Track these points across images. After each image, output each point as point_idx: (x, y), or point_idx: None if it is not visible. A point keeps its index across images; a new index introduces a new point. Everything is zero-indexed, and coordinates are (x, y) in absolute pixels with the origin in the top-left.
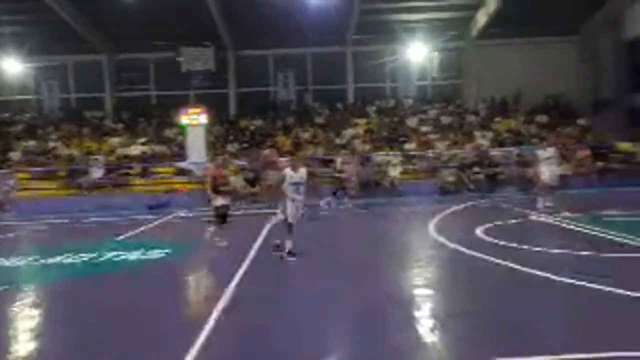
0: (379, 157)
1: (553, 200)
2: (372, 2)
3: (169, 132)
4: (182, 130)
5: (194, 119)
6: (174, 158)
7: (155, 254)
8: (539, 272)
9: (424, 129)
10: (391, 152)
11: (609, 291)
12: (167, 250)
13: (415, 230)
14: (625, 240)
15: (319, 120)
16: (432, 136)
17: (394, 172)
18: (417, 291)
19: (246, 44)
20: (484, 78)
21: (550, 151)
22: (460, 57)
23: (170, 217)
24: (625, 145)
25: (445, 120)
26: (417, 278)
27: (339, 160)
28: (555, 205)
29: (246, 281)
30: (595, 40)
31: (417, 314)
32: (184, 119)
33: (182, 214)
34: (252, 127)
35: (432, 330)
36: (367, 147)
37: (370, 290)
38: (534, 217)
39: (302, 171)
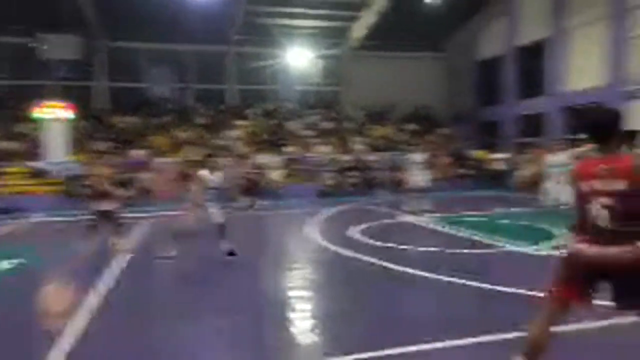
0: (261, 159)
1: (421, 202)
2: (257, 4)
3: (23, 128)
4: (38, 125)
5: (52, 113)
6: (29, 156)
7: (5, 265)
8: (409, 269)
9: (304, 133)
10: (272, 155)
11: (465, 284)
12: (19, 260)
13: (294, 233)
14: (477, 238)
15: (200, 120)
16: (312, 140)
17: (275, 175)
18: (294, 292)
19: (120, 35)
20: (361, 86)
21: (422, 157)
22: (339, 65)
23: (24, 221)
24: (478, 153)
25: (326, 125)
26: (294, 280)
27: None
28: (422, 207)
29: (114, 288)
30: (454, 58)
31: (292, 315)
32: (38, 113)
33: (39, 219)
34: (122, 125)
35: (307, 330)
36: (249, 149)
37: (246, 292)
38: (404, 218)
39: (219, 174)
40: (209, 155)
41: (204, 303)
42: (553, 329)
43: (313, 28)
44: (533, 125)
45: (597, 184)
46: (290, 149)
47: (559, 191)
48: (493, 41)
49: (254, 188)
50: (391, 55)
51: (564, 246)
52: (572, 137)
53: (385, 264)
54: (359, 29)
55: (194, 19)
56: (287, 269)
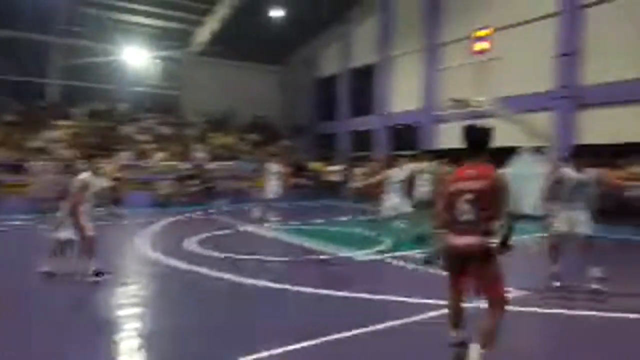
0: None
1: (267, 212)
2: None
3: None
4: None
5: None
6: None
7: None
8: (247, 280)
9: (140, 137)
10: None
11: (300, 291)
12: None
13: (123, 246)
14: (313, 246)
15: (10, 117)
16: (149, 146)
17: (105, 182)
18: (119, 311)
19: None
20: (200, 92)
21: (276, 167)
22: (180, 69)
23: None
24: (316, 165)
25: (165, 130)
26: (120, 297)
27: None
28: (264, 216)
29: None
30: (295, 73)
31: (118, 334)
32: None
33: None
34: None
35: (134, 349)
36: (72, 153)
37: (63, 313)
38: (244, 228)
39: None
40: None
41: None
42: (463, 305)
43: (154, 27)
44: (364, 141)
45: (465, 185)
46: (124, 154)
47: (395, 203)
48: (331, 61)
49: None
50: (234, 64)
51: (389, 251)
52: (396, 153)
53: (222, 275)
54: (203, 33)
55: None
56: (112, 285)
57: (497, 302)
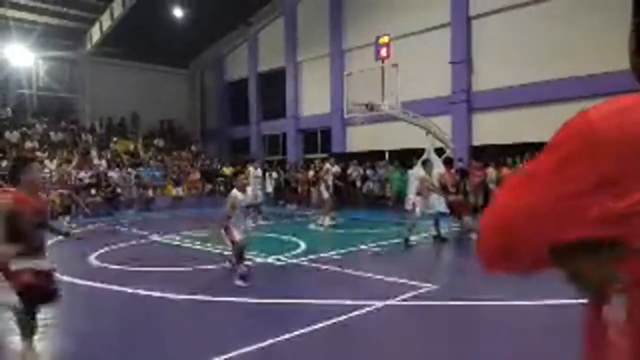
0: None
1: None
2: None
3: None
4: None
5: None
6: None
7: None
8: (154, 292)
9: (28, 144)
10: None
11: (211, 300)
12: None
13: None
14: (227, 253)
15: None
16: (39, 154)
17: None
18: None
19: None
20: (99, 96)
21: (257, 171)
22: (73, 70)
23: None
24: (227, 170)
25: (56, 137)
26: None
27: None
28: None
29: None
30: (203, 77)
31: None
32: None
33: None
34: None
35: None
36: None
37: None
38: (151, 238)
39: None
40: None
41: None
42: None
43: (40, 24)
44: (277, 145)
45: None
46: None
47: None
48: (240, 64)
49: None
50: (138, 65)
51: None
52: (308, 156)
53: (125, 289)
54: (95, 33)
55: None
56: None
57: None
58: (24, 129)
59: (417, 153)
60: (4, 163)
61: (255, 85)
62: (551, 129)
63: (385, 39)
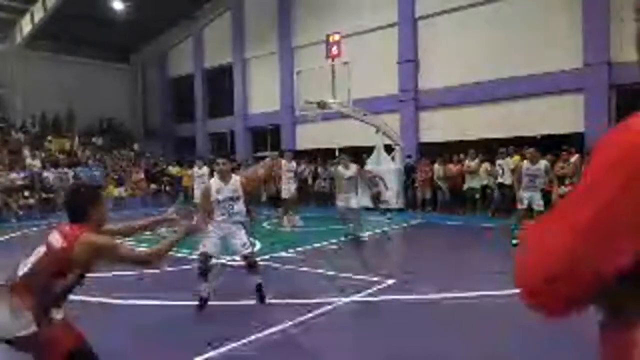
0: None
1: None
2: None
3: None
4: None
5: None
6: None
7: None
8: (103, 299)
9: None
10: None
11: (170, 304)
12: None
13: None
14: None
15: None
16: None
17: None
18: None
19: None
20: (31, 91)
21: (205, 170)
22: (2, 63)
23: None
24: (173, 170)
25: None
26: None
27: None
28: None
29: None
30: (145, 72)
31: None
32: None
33: None
34: None
35: None
36: None
37: None
38: None
39: None
40: None
41: None
42: None
43: None
44: (224, 143)
45: None
46: None
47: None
48: (184, 60)
49: None
50: (74, 60)
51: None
52: (256, 155)
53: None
54: (25, 25)
55: None
56: None
57: None
58: None
59: (367, 149)
60: None
61: (201, 82)
62: (495, 126)
63: (336, 37)
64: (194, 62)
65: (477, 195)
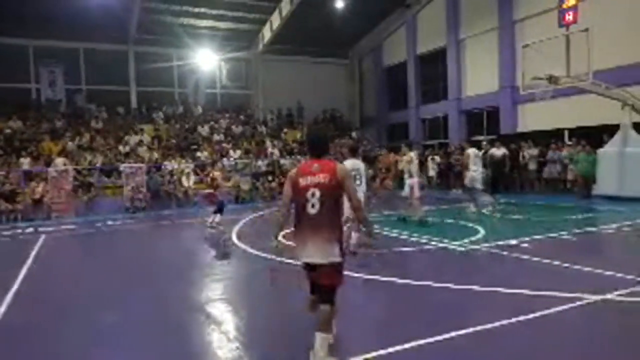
0: (170, 166)
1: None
2: (155, 0)
3: None
4: None
5: None
6: None
7: None
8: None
9: (216, 137)
10: (183, 161)
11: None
12: None
13: (216, 242)
14: (414, 238)
15: (96, 125)
16: (225, 145)
17: (188, 182)
18: (219, 305)
19: (4, 29)
20: (270, 90)
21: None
22: (248, 68)
23: None
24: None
25: (237, 129)
26: (225, 290)
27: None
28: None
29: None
30: (361, 64)
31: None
32: None
33: None
34: (8, 130)
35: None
36: (155, 155)
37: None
38: None
39: None
40: None
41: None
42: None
43: (219, 29)
44: (437, 128)
45: (310, 179)
46: (203, 153)
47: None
48: (397, 48)
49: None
50: (301, 59)
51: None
52: (473, 139)
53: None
54: (266, 32)
55: (85, 14)
56: (216, 280)
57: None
58: (212, 123)
59: (609, 130)
60: (199, 154)
61: (414, 68)
62: None
63: (572, 1)
64: (407, 49)
65: None
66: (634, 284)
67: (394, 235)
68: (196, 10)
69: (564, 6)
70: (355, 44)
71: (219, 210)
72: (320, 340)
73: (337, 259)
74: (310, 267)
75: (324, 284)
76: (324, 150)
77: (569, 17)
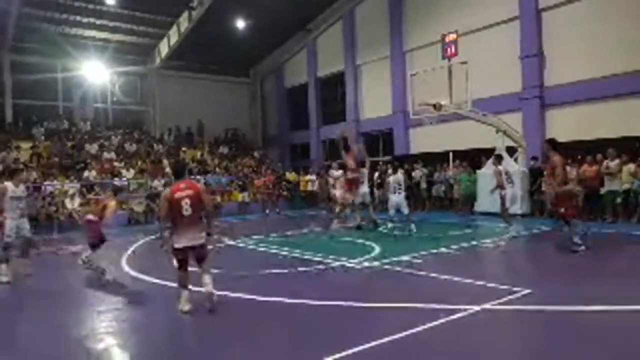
0: (52, 186)
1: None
2: (33, 6)
3: None
4: None
5: None
6: None
7: None
8: (244, 294)
9: (106, 155)
10: (67, 181)
11: (308, 304)
12: None
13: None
14: (302, 256)
15: None
16: (117, 164)
17: (72, 204)
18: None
19: None
20: (168, 107)
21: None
22: (144, 84)
23: None
24: (291, 175)
25: (131, 147)
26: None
27: None
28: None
29: None
30: (263, 84)
31: None
32: None
33: None
34: None
35: None
36: (34, 175)
37: None
38: (229, 243)
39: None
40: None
41: None
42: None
43: (112, 42)
44: (337, 148)
45: (183, 193)
46: (90, 173)
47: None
48: (299, 70)
49: None
50: (202, 77)
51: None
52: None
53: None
54: (163, 47)
55: None
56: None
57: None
58: (102, 141)
59: (487, 153)
60: (86, 174)
61: (315, 90)
62: (631, 124)
63: (452, 36)
64: (307, 71)
65: (619, 200)
66: (508, 293)
67: (296, 255)
68: (84, 20)
69: (446, 40)
70: (257, 64)
71: (93, 246)
72: (209, 277)
73: (203, 241)
74: (189, 248)
75: (202, 255)
76: (184, 174)
77: (451, 50)
